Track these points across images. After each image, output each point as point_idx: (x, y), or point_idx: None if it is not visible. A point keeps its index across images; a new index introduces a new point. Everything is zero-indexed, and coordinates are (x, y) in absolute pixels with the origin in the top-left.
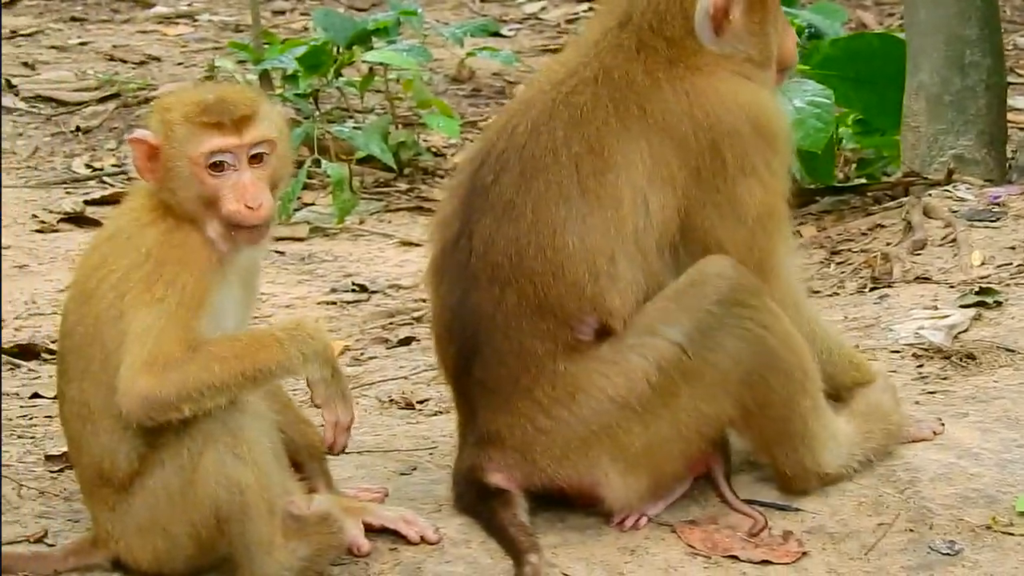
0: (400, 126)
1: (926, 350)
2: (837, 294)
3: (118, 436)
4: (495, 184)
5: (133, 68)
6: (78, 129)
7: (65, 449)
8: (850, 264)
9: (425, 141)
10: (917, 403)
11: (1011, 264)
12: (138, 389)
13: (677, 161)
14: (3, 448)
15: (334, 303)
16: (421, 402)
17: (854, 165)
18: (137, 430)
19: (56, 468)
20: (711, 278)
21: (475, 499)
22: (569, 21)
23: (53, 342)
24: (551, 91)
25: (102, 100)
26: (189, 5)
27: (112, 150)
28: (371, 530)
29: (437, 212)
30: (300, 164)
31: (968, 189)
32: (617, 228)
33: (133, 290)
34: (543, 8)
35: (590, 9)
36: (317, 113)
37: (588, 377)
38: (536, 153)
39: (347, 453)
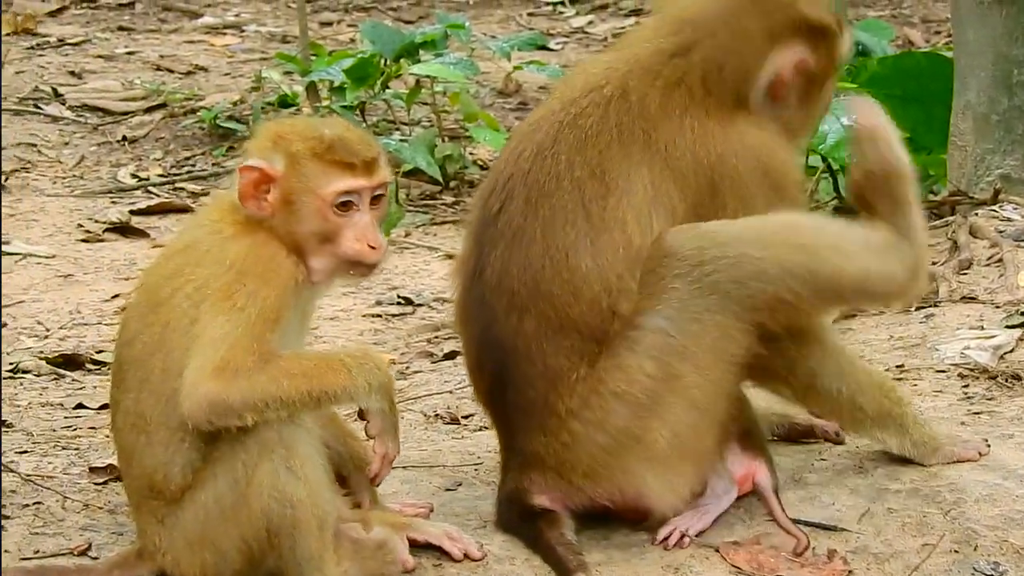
0: (447, 139)
1: (972, 370)
2: (883, 313)
3: (173, 448)
4: (502, 213)
5: (180, 78)
6: (124, 139)
7: (110, 461)
8: None
9: (471, 154)
10: (963, 423)
11: None
12: (204, 391)
13: (677, 194)
14: (47, 459)
15: (379, 316)
16: (466, 417)
17: None
18: (193, 443)
19: (101, 480)
20: (665, 258)
21: (520, 519)
22: (616, 35)
23: (98, 352)
24: (560, 112)
25: (148, 110)
26: (236, 16)
27: (158, 160)
28: (415, 546)
29: (459, 252)
30: None
31: (1015, 209)
32: (625, 248)
33: (211, 298)
34: (590, 22)
35: (639, 23)
36: (364, 125)
37: (597, 379)
38: (540, 179)
39: (392, 468)
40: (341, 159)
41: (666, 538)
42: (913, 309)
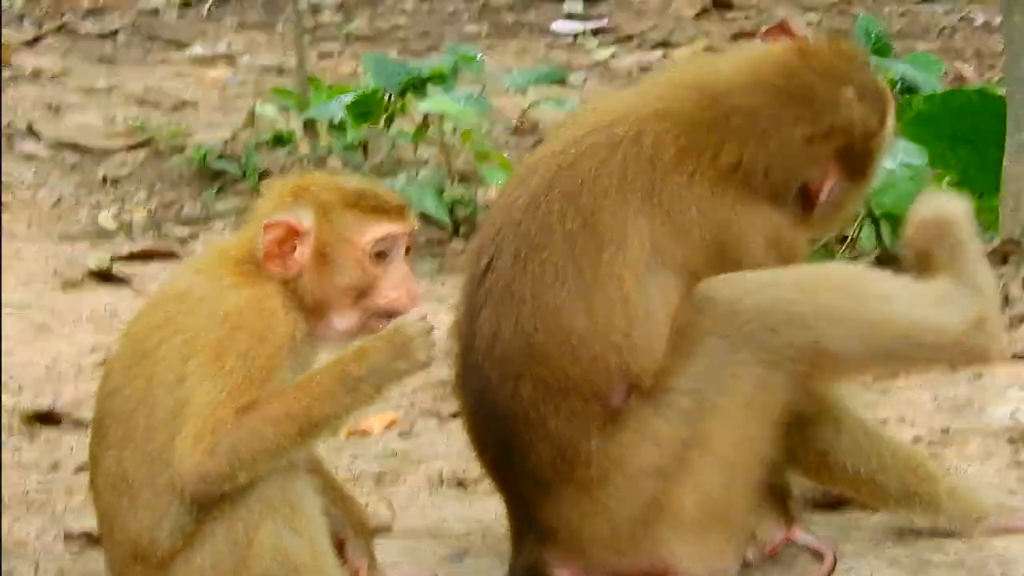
0: (456, 181)
1: (1022, 435)
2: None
3: (160, 511)
4: (491, 270)
5: (166, 114)
6: (105, 179)
7: (87, 526)
8: None
9: (483, 197)
10: (1011, 492)
11: None
12: (191, 465)
13: (680, 252)
14: (19, 523)
15: None
16: (475, 480)
17: None
18: (182, 505)
19: (76, 548)
20: (694, 316)
21: None
22: (643, 69)
23: (76, 409)
24: (560, 153)
25: (132, 148)
26: (228, 46)
27: (142, 202)
28: None
29: (454, 316)
30: None
31: None
32: (624, 306)
33: (200, 355)
34: (613, 55)
35: (664, 56)
36: (367, 165)
37: (618, 452)
38: (531, 231)
39: (393, 536)
40: (374, 205)
41: None
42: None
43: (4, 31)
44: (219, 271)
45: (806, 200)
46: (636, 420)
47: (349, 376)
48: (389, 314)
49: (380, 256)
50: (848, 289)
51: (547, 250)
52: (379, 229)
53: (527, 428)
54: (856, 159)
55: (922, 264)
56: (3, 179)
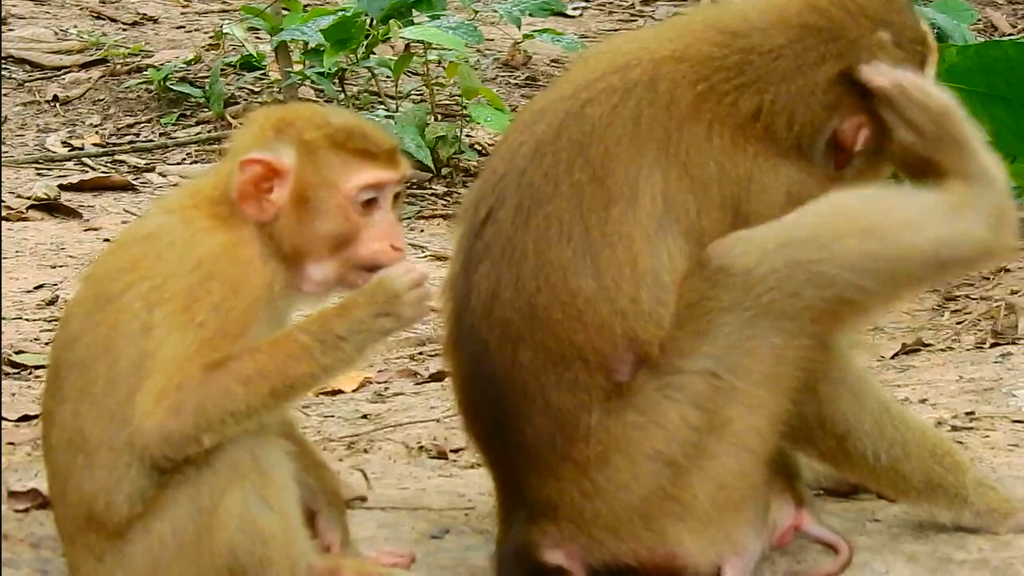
0: (440, 117)
1: None
2: (951, 349)
3: (119, 473)
4: (490, 221)
5: (124, 29)
6: (55, 99)
7: (33, 485)
8: (968, 314)
9: (469, 136)
10: None
11: None
12: (152, 423)
13: (695, 208)
14: None
15: None
16: (456, 451)
17: None
18: (142, 468)
19: (21, 507)
20: (708, 291)
21: None
22: (645, 2)
23: (17, 353)
24: (570, 97)
25: (85, 66)
26: None
27: (95, 126)
28: None
29: (448, 269)
30: None
31: None
32: (632, 269)
33: (168, 304)
34: None
35: None
36: (343, 96)
37: (622, 432)
38: (536, 181)
39: (368, 508)
40: (364, 148)
41: None
42: (987, 346)
43: None
44: (192, 212)
45: (838, 152)
46: (644, 401)
47: (329, 333)
48: (370, 267)
49: (366, 204)
50: (867, 228)
51: (552, 203)
52: (367, 175)
53: (525, 399)
54: (885, 106)
55: (923, 174)
56: None
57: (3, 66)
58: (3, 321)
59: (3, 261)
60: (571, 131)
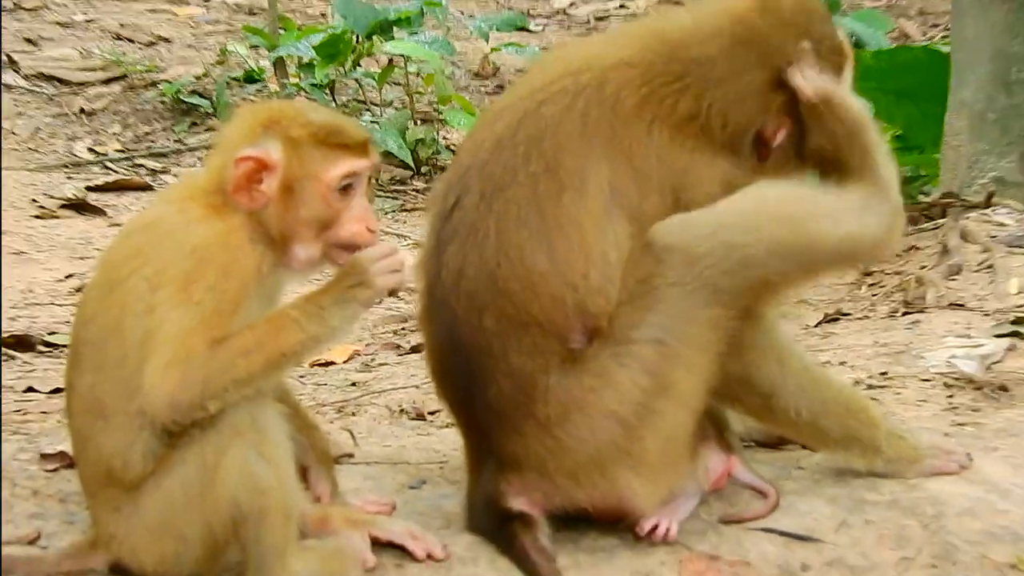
0: (419, 122)
1: (957, 380)
2: (868, 317)
3: (133, 435)
4: (458, 208)
5: (141, 49)
6: (81, 111)
7: (61, 448)
8: (882, 287)
9: (444, 138)
10: (946, 434)
11: None
12: (162, 392)
13: (637, 195)
14: None
15: None
16: (432, 413)
17: None
18: (153, 430)
19: (51, 467)
20: (654, 267)
21: (494, 522)
22: (599, 18)
23: (50, 334)
24: (526, 98)
25: (107, 81)
26: None
27: (116, 134)
28: (377, 544)
29: (422, 250)
30: None
31: (1008, 213)
32: (582, 249)
33: (169, 286)
34: (572, 3)
35: (621, 6)
36: (334, 104)
37: (580, 394)
38: (496, 172)
39: (354, 463)
40: (341, 142)
41: (652, 531)
42: (899, 315)
43: None
44: (188, 203)
45: (760, 147)
46: (599, 367)
47: (314, 306)
48: (348, 246)
49: (344, 190)
50: (786, 218)
51: (511, 191)
52: (345, 165)
53: (490, 360)
54: (808, 109)
55: (832, 170)
56: None
57: (36, 83)
58: (38, 306)
59: (38, 254)
60: (528, 128)
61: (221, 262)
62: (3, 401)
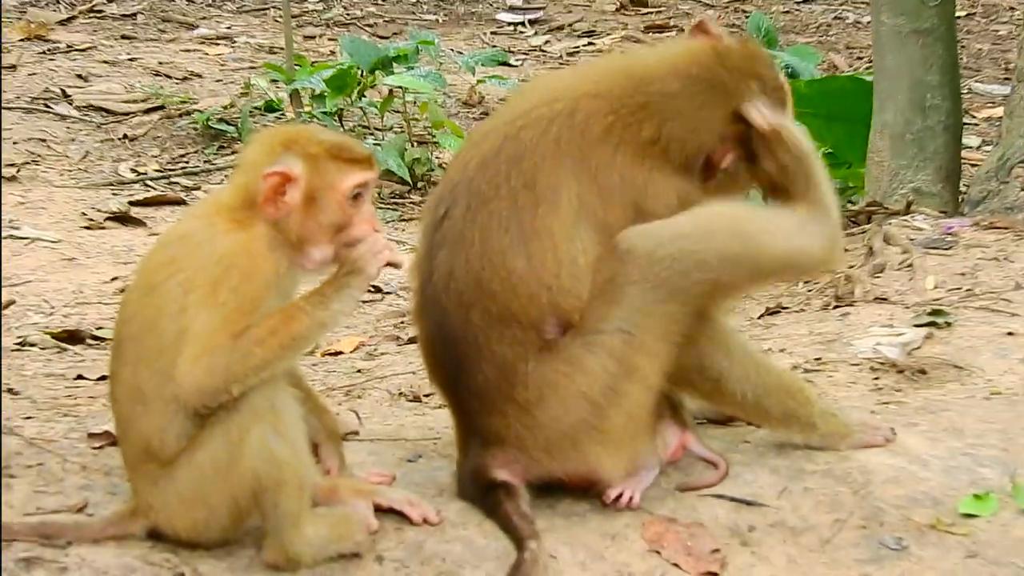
0: (415, 144)
1: (882, 364)
2: (804, 310)
3: (168, 418)
4: (447, 218)
5: (176, 83)
6: (125, 137)
7: (107, 428)
8: (816, 283)
9: (437, 158)
10: (872, 412)
11: (961, 288)
12: (191, 381)
13: (602, 208)
14: (49, 424)
15: None
16: (427, 395)
17: None
18: (186, 413)
19: (97, 445)
20: (619, 268)
21: (481, 492)
22: (571, 54)
23: (97, 329)
24: (508, 124)
25: (148, 111)
26: (229, 28)
27: (155, 156)
28: (379, 510)
29: (414, 255)
30: None
31: (925, 219)
32: (554, 255)
33: (199, 290)
34: (547, 41)
35: (590, 43)
36: (341, 130)
37: (554, 378)
38: (482, 187)
39: (359, 440)
40: (352, 157)
41: (617, 498)
42: (831, 308)
43: (43, 12)
44: (214, 218)
45: (708, 170)
46: (571, 355)
47: (317, 295)
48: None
49: (355, 198)
50: (736, 231)
51: (494, 203)
52: (357, 176)
53: (476, 351)
54: (752, 140)
55: (779, 195)
56: (40, 135)
57: (86, 113)
58: (87, 305)
59: (87, 260)
60: (509, 149)
61: (243, 268)
62: (56, 387)
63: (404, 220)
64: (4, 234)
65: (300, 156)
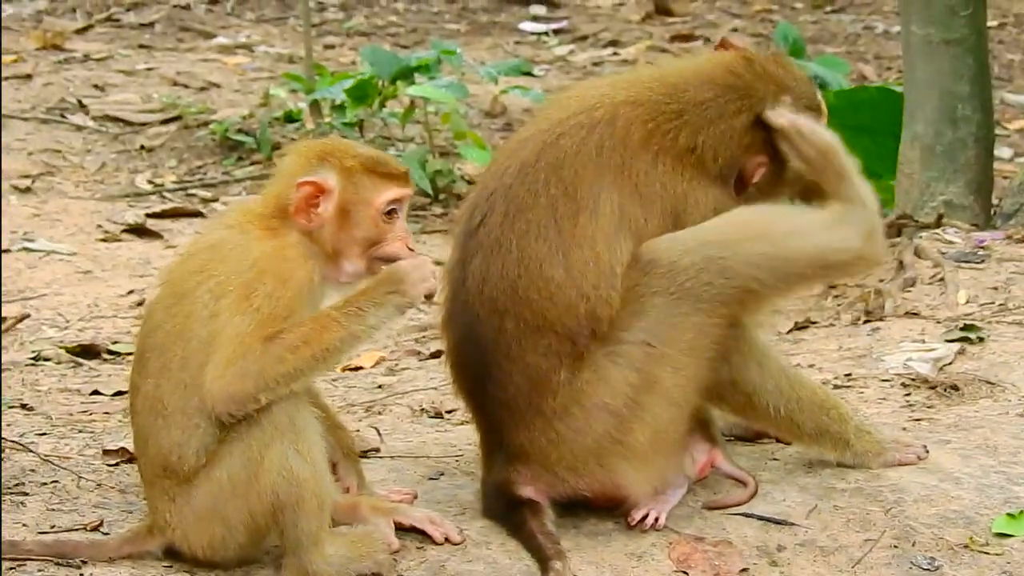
0: (437, 155)
1: (913, 380)
2: (833, 325)
3: (189, 432)
4: (483, 225)
5: (194, 93)
6: (142, 148)
7: (122, 444)
8: (846, 298)
9: (459, 169)
10: (904, 429)
11: (993, 303)
12: (222, 385)
13: (643, 217)
14: (64, 441)
15: None
16: (449, 412)
17: None
18: (208, 428)
19: (113, 462)
20: (642, 278)
21: (505, 509)
22: (595, 64)
23: (113, 343)
24: (546, 131)
25: (165, 122)
26: (247, 37)
27: (172, 168)
28: (401, 529)
29: (446, 261)
30: None
31: (956, 232)
32: (595, 263)
33: (232, 295)
34: (571, 51)
35: (615, 54)
36: (362, 140)
37: (579, 388)
38: (520, 194)
39: (380, 457)
40: (388, 172)
41: (643, 519)
42: (861, 323)
43: (60, 21)
44: (247, 226)
45: (740, 183)
46: (595, 364)
47: (353, 307)
48: (390, 260)
49: (389, 214)
50: (762, 234)
51: (532, 211)
52: (392, 192)
53: (507, 360)
54: (783, 138)
55: (814, 191)
56: (55, 146)
57: (103, 124)
58: (102, 319)
59: (103, 273)
60: (548, 156)
61: (278, 272)
62: (71, 403)
63: (425, 232)
64: (19, 246)
65: (336, 168)
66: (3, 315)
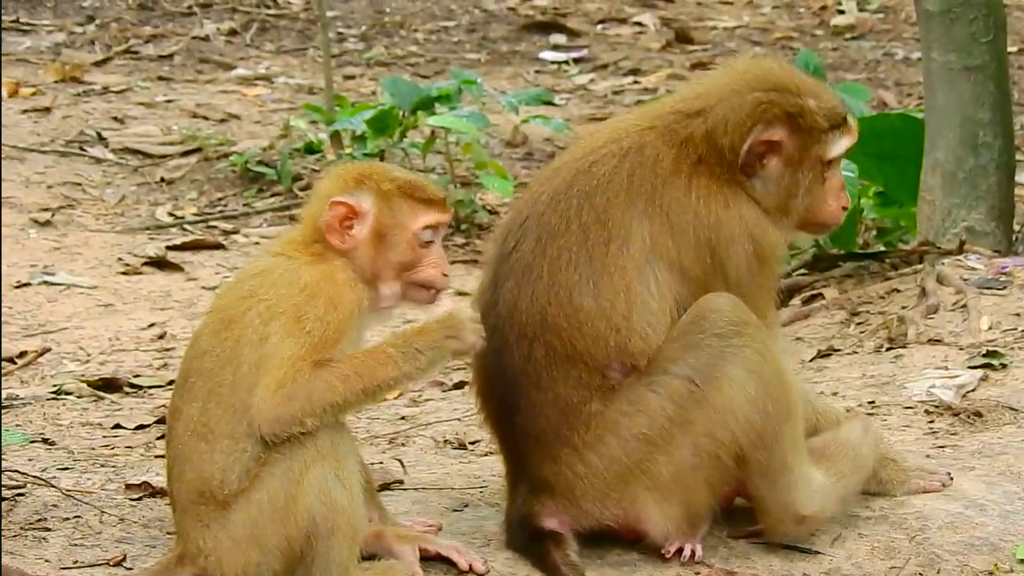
0: (459, 185)
1: (937, 407)
2: (856, 352)
3: (234, 457)
4: (515, 250)
5: (214, 125)
6: (162, 180)
7: (144, 478)
8: (868, 325)
9: (481, 199)
10: (928, 456)
11: (1016, 329)
12: (270, 406)
13: (675, 248)
14: (86, 475)
15: None
16: (473, 443)
17: (874, 233)
18: (253, 452)
19: (136, 496)
20: (708, 314)
21: (529, 540)
22: (616, 92)
23: (135, 377)
24: (580, 160)
25: (185, 154)
26: (267, 68)
27: (193, 200)
28: (426, 558)
29: (478, 285)
30: None
31: (978, 259)
32: (626, 293)
33: (281, 318)
34: (592, 80)
35: (635, 82)
36: None
37: (615, 419)
38: (552, 221)
39: (404, 489)
40: (426, 197)
41: (678, 551)
42: (884, 350)
43: (79, 53)
44: (294, 253)
45: (749, 161)
46: (633, 394)
47: (410, 347)
48: (425, 286)
49: (425, 239)
50: (791, 412)
51: (564, 238)
52: (429, 217)
53: (538, 391)
54: (800, 145)
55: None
56: (75, 179)
57: (122, 156)
58: (123, 352)
59: (123, 306)
60: (580, 185)
61: (329, 296)
62: (93, 437)
63: (448, 263)
64: (39, 280)
65: (372, 192)
66: (24, 349)
